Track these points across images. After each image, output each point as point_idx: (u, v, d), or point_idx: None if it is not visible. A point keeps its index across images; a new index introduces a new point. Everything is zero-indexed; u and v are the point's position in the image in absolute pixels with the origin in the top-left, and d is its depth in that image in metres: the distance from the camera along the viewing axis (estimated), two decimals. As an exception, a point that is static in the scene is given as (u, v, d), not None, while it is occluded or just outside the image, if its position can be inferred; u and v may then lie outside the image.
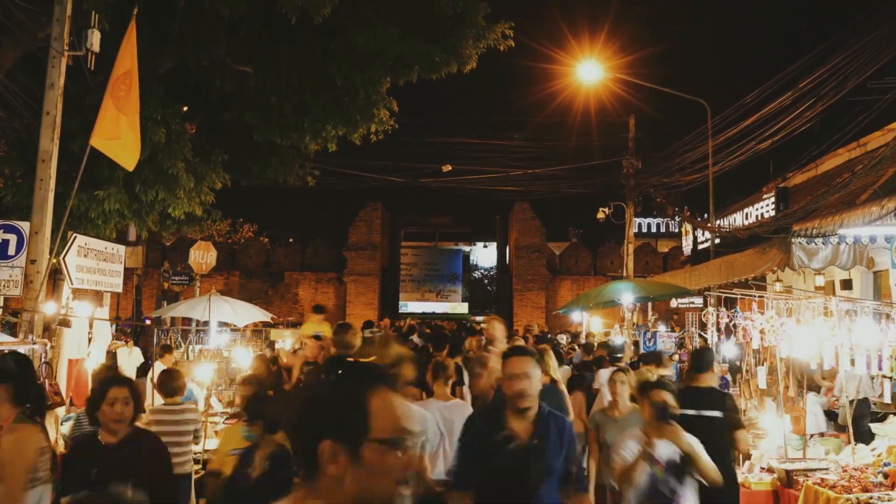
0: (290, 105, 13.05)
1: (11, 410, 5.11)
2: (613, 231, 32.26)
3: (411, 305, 46.36)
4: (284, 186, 16.56)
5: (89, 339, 12.54)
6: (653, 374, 8.88)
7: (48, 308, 9.45)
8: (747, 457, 9.35)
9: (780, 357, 10.62)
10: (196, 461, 9.19)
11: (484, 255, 56.45)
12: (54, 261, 9.44)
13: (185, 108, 13.54)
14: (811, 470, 8.71)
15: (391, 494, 2.16)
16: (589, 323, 25.37)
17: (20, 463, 4.80)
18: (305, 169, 16.51)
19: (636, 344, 17.57)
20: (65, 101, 9.38)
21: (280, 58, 12.78)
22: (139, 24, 9.79)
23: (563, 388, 9.45)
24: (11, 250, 9.18)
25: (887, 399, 10.50)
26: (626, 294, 15.88)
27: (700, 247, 26.25)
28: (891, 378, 9.64)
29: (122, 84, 9.40)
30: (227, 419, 11.46)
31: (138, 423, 5.68)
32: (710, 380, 8.00)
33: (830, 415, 12.09)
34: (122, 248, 11.28)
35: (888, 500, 7.45)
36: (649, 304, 24.03)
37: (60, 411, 10.59)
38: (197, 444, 9.07)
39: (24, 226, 9.16)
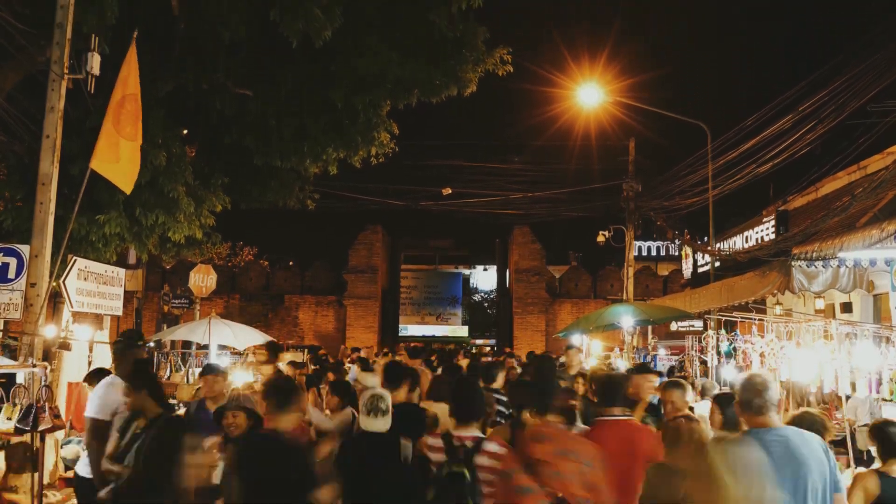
0: (290, 128, 13.07)
1: None
2: (613, 254, 32.29)
3: (411, 328, 46.28)
4: (284, 209, 16.58)
5: (89, 363, 12.53)
6: None
7: (48, 331, 9.44)
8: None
9: (780, 380, 10.60)
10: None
11: (484, 279, 56.35)
12: (54, 284, 9.43)
13: (186, 132, 13.56)
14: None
15: None
16: (589, 346, 25.30)
17: None
18: (305, 192, 16.52)
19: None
20: (65, 125, 9.40)
21: (280, 81, 12.81)
22: (139, 47, 9.83)
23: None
24: (11, 273, 9.19)
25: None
26: (625, 317, 15.84)
27: (700, 270, 26.23)
28: (891, 401, 9.61)
29: (123, 107, 9.42)
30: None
31: None
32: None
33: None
34: (122, 271, 11.29)
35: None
36: (649, 328, 24.00)
37: (60, 434, 10.58)
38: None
39: (25, 249, 9.17)
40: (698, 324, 23.32)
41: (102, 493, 5.94)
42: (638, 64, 62.75)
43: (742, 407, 4.68)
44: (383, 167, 15.44)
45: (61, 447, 10.74)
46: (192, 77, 12.50)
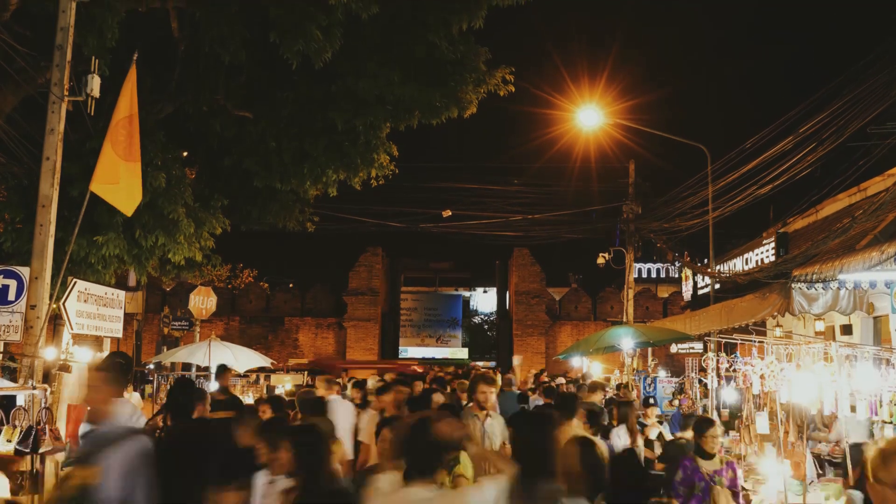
0: (290, 150, 13.09)
1: None
2: (613, 276, 32.27)
3: (411, 350, 46.16)
4: (284, 231, 16.59)
5: (88, 385, 12.47)
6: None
7: (48, 353, 9.43)
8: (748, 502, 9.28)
9: (780, 402, 10.56)
10: None
11: (484, 301, 56.28)
12: (54, 306, 9.44)
13: (185, 154, 13.59)
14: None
15: None
16: (589, 368, 25.26)
17: None
18: (305, 214, 16.54)
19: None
20: (65, 147, 9.43)
21: (280, 103, 12.84)
22: (139, 70, 9.86)
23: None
24: (11, 295, 9.19)
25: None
26: (625, 339, 15.84)
27: (700, 292, 26.16)
28: (891, 423, 9.57)
29: (123, 129, 9.44)
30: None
31: None
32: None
33: (831, 463, 12.00)
34: (121, 293, 11.28)
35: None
36: (649, 350, 23.96)
37: (61, 456, 10.54)
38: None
39: (24, 271, 9.17)
40: (698, 346, 23.29)
41: None
42: (638, 86, 63.05)
43: None
44: (383, 189, 15.46)
45: (61, 468, 10.69)
46: (192, 99, 12.54)
